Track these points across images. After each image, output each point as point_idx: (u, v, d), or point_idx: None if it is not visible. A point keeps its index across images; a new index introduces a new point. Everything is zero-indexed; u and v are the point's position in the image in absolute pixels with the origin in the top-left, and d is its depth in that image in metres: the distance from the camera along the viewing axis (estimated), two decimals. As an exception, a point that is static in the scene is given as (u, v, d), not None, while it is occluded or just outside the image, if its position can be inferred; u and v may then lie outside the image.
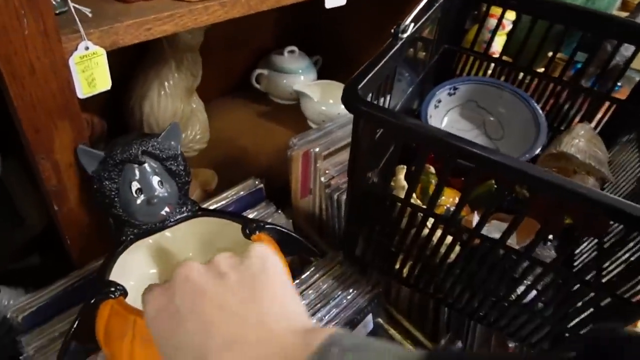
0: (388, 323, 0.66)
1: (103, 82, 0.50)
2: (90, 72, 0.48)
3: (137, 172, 0.51)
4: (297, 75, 1.02)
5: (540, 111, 0.72)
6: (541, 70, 0.77)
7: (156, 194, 0.52)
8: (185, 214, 0.55)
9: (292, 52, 1.02)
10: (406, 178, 0.58)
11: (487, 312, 0.56)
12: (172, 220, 0.54)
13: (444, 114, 0.76)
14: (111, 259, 0.50)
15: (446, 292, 0.57)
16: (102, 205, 0.51)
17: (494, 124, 0.76)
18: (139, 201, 0.51)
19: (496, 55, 0.79)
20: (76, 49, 0.45)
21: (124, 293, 0.45)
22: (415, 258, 0.56)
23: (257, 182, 0.73)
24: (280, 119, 1.02)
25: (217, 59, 0.95)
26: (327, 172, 0.75)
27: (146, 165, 0.52)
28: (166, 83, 0.79)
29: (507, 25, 0.95)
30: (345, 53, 1.08)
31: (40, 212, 0.70)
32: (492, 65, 0.79)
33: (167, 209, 0.53)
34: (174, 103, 0.80)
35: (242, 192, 0.71)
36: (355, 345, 0.24)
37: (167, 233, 0.57)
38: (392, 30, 0.52)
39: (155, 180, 0.52)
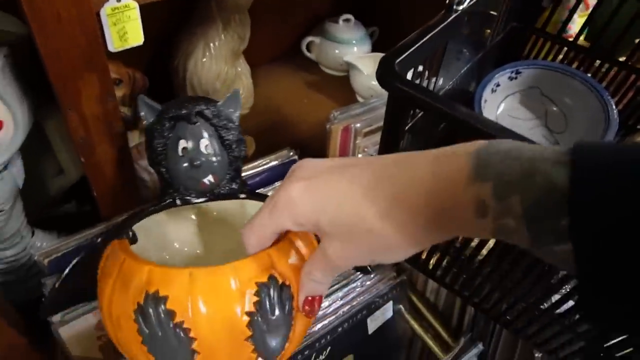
0: (409, 313, 0.63)
1: (135, 36, 0.48)
2: (122, 25, 0.46)
3: (187, 131, 0.49)
4: (351, 46, 0.97)
5: (614, 105, 0.64)
6: (622, 59, 0.68)
7: (202, 157, 0.49)
8: (230, 192, 0.51)
9: (347, 20, 0.97)
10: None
11: (515, 318, 0.51)
12: (215, 193, 0.51)
13: (502, 100, 0.69)
14: (139, 214, 0.49)
15: (474, 290, 0.53)
16: (150, 161, 0.50)
17: (557, 115, 0.68)
18: (184, 162, 0.49)
19: (572, 40, 0.71)
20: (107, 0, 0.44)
21: (132, 239, 0.44)
22: (443, 250, 0.52)
23: (291, 153, 0.71)
24: (328, 90, 0.98)
25: (267, 23, 0.92)
26: (365, 150, 0.71)
27: (199, 125, 0.49)
28: (212, 44, 0.77)
29: (591, 6, 0.85)
30: (403, 26, 1.02)
31: (78, 162, 0.71)
32: (565, 50, 0.71)
33: (211, 178, 0.50)
34: (218, 64, 0.78)
35: (274, 162, 0.69)
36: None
37: (213, 210, 0.54)
38: (447, 1, 0.47)
39: (203, 143, 0.49)
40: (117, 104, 0.50)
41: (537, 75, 0.67)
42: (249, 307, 0.34)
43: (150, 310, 0.33)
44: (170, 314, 0.33)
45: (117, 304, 0.36)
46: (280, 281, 0.35)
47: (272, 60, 1.02)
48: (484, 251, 0.48)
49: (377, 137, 0.71)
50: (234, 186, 0.51)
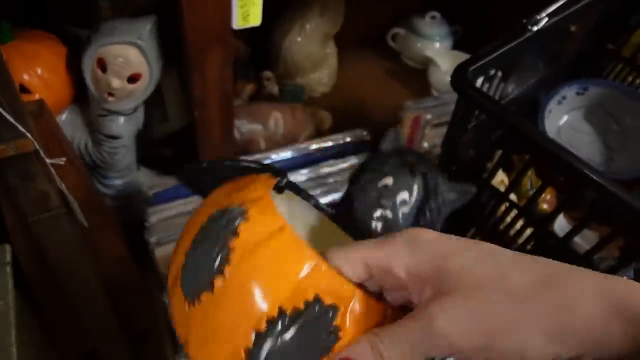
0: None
1: (255, 18, 0.58)
2: (247, 8, 0.57)
3: (400, 174, 0.44)
4: (433, 41, 1.03)
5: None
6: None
7: (390, 204, 0.44)
8: None
9: (433, 17, 1.03)
10: (500, 163, 0.60)
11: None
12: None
13: (566, 112, 0.74)
14: (303, 192, 0.38)
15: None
16: (352, 173, 0.48)
17: (617, 133, 0.73)
18: (373, 194, 0.45)
19: (646, 63, 0.74)
20: (239, -13, 0.54)
21: (279, 186, 0.33)
22: (484, 235, 0.60)
23: (364, 133, 0.79)
24: (406, 80, 1.05)
25: (359, 10, 0.99)
26: (432, 140, 0.79)
27: (413, 180, 0.45)
28: (307, 25, 0.86)
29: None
30: (488, 27, 1.06)
31: (181, 114, 0.83)
32: (635, 73, 0.74)
33: (380, 226, 0.44)
34: (310, 45, 0.88)
35: (348, 139, 0.78)
36: None
37: None
38: (524, 21, 0.53)
39: (403, 195, 0.45)
40: (232, 72, 0.60)
41: (603, 93, 0.72)
42: (288, 304, 0.26)
43: (224, 221, 0.28)
44: (233, 235, 0.27)
45: (212, 199, 0.32)
46: (337, 322, 0.26)
47: (358, 46, 1.10)
48: (520, 240, 0.55)
49: (444, 129, 0.77)
50: None
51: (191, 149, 0.74)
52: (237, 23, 0.57)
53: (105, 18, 0.67)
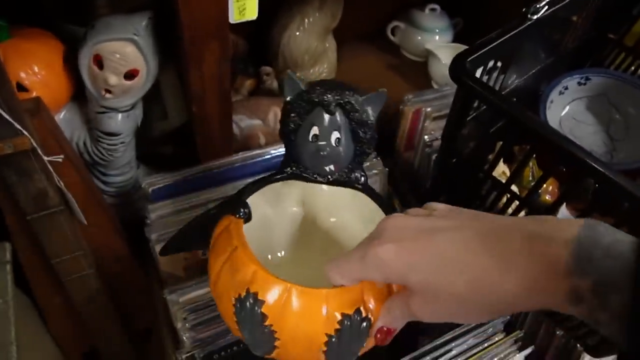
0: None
1: (251, 11, 0.58)
2: (243, 2, 0.56)
3: (322, 120, 0.48)
4: (433, 34, 1.02)
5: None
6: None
7: (328, 148, 0.48)
8: (345, 180, 0.50)
9: (433, 9, 1.02)
10: (501, 154, 0.59)
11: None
12: (332, 179, 0.50)
13: (568, 102, 0.74)
14: (260, 183, 0.50)
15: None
16: (281, 133, 0.50)
17: (619, 123, 0.72)
18: (311, 147, 0.49)
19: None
20: (235, -20, 0.53)
21: (247, 218, 0.46)
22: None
23: (364, 127, 0.79)
24: (406, 74, 1.04)
25: (358, 4, 0.98)
26: (432, 132, 0.78)
27: (336, 116, 0.48)
28: (306, 20, 0.85)
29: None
30: (488, 20, 1.05)
31: (181, 111, 0.83)
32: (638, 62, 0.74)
33: (332, 167, 0.50)
34: (309, 40, 0.87)
35: (348, 133, 0.77)
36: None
37: (324, 187, 0.53)
38: (523, 9, 0.52)
39: (335, 135, 0.48)
40: (229, 67, 0.60)
41: (605, 83, 0.71)
42: (330, 329, 0.38)
43: (248, 306, 0.38)
44: (263, 316, 0.38)
45: (222, 283, 0.41)
46: (364, 314, 0.37)
47: (358, 40, 1.09)
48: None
49: (444, 122, 0.77)
50: (351, 176, 0.50)
51: (191, 146, 0.73)
52: (234, 17, 0.57)
53: (102, 15, 0.67)
